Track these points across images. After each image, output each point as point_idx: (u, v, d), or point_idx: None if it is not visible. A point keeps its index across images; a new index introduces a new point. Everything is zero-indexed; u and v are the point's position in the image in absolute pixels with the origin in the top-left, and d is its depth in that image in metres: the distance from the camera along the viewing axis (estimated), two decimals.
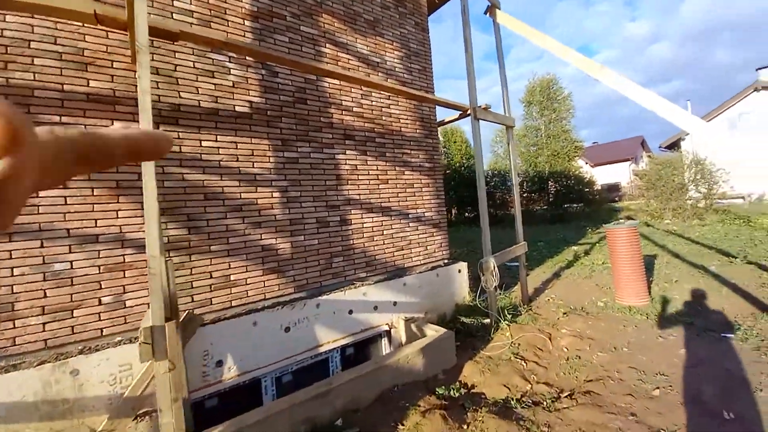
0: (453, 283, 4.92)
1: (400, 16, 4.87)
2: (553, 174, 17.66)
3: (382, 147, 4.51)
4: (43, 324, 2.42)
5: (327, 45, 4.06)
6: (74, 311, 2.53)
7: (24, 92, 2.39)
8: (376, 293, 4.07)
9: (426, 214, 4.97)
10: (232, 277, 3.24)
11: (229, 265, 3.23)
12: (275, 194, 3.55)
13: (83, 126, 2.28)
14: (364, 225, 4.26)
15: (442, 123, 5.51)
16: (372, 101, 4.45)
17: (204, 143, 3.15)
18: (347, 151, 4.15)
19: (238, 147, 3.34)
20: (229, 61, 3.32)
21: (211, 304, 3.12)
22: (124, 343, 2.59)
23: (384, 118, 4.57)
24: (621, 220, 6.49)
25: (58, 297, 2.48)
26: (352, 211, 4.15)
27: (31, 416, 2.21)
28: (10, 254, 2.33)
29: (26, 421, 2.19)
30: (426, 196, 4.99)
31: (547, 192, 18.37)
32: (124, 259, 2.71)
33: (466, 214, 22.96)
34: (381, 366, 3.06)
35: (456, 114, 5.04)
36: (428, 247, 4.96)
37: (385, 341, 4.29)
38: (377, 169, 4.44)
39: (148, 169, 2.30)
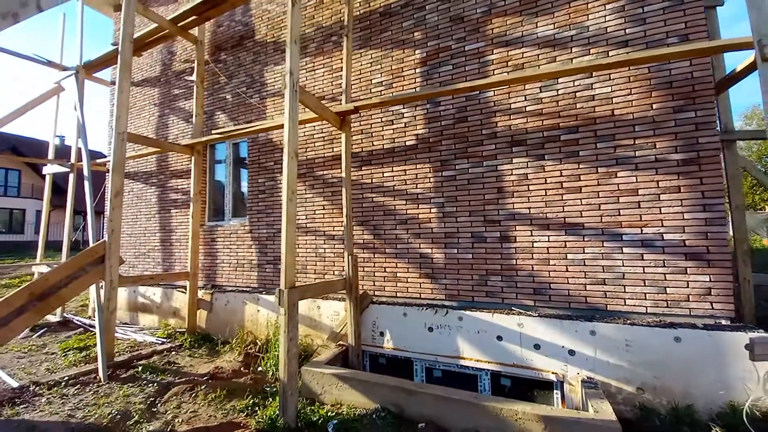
0: (727, 365, 2.72)
1: None
2: None
3: (573, 145, 3.45)
4: (303, 280, 4.72)
5: (494, 51, 3.84)
6: (325, 275, 4.67)
7: (309, 162, 4.79)
8: (538, 329, 3.33)
9: (666, 237, 3.09)
10: (398, 275, 4.20)
11: (396, 264, 4.22)
12: (433, 210, 4.05)
13: (330, 174, 4.18)
14: (535, 244, 3.55)
15: (730, 79, 2.99)
16: (558, 90, 3.55)
17: (385, 174, 4.34)
18: (514, 160, 3.69)
19: (406, 173, 4.21)
20: (403, 107, 4.27)
21: (384, 290, 4.28)
22: (337, 300, 4.39)
23: (579, 105, 3.46)
24: None
25: (319, 266, 4.71)
26: (517, 228, 3.64)
27: (302, 322, 4.48)
28: (306, 242, 4.80)
29: (301, 324, 4.49)
30: (668, 208, 3.10)
31: None
32: (341, 250, 4.53)
33: None
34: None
35: (749, 58, 2.62)
36: (668, 290, 3.07)
37: (557, 396, 3.35)
38: (560, 175, 3.49)
39: (346, 195, 3.84)
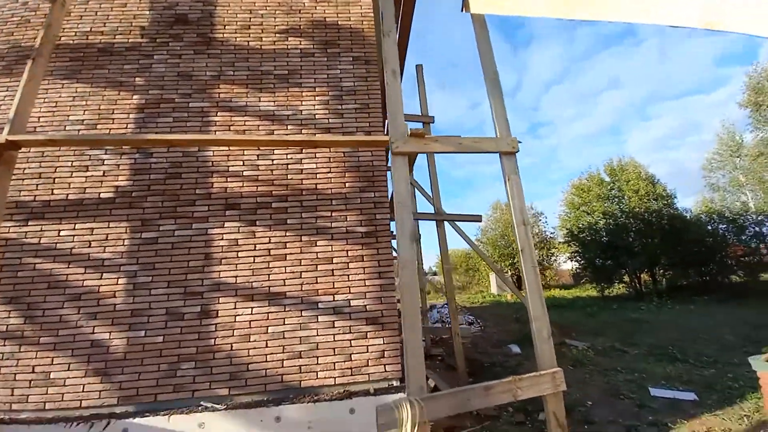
0: None
1: (329, 57, 4.06)
2: None
3: (282, 213, 3.48)
4: None
5: (218, 113, 3.76)
6: None
7: None
8: (222, 426, 2.76)
9: (353, 303, 3.28)
10: (52, 375, 2.96)
11: (53, 360, 2.99)
12: (121, 280, 3.20)
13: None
14: (237, 318, 3.18)
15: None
16: (273, 160, 3.65)
17: (62, 233, 3.29)
18: (226, 224, 3.42)
19: (94, 233, 3.31)
20: (105, 153, 3.54)
21: (27, 402, 2.89)
22: None
23: (291, 176, 3.61)
24: None
25: None
26: (221, 300, 3.22)
27: None
28: None
29: None
30: (355, 275, 3.36)
31: None
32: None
33: (665, 281, 15.48)
34: None
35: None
36: (353, 356, 3.14)
37: None
38: (269, 242, 3.40)
39: None
